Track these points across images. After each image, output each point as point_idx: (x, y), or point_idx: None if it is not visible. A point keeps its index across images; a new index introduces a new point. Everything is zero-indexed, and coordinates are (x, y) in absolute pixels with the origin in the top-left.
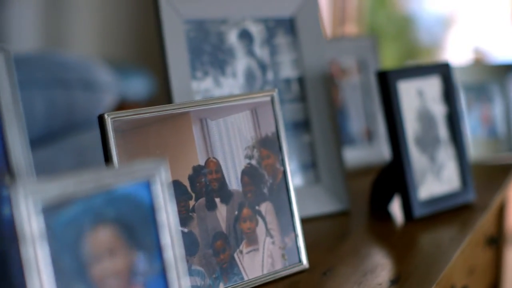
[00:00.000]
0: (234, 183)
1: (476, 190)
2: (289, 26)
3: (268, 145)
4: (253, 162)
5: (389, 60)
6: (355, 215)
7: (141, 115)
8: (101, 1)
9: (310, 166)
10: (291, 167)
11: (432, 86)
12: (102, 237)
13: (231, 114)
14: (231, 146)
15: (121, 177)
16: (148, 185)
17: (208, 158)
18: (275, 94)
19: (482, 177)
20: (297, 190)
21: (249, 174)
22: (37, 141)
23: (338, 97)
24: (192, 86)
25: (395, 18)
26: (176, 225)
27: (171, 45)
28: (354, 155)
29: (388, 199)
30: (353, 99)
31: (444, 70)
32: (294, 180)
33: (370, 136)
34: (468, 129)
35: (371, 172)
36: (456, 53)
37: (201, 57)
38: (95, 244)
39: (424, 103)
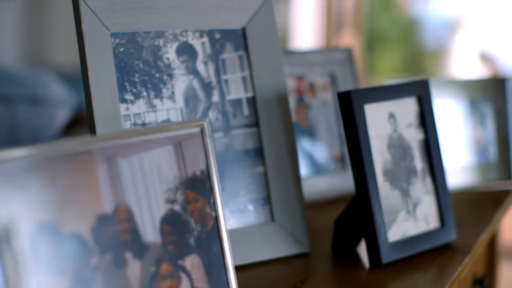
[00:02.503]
0: (150, 233)
1: (461, 225)
2: (239, 38)
3: (196, 186)
4: (176, 207)
5: (392, 65)
6: (316, 259)
7: (26, 156)
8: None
9: (263, 202)
10: (240, 205)
11: (406, 108)
12: None
13: (148, 150)
14: (147, 189)
15: None
16: None
17: (117, 205)
18: (206, 124)
19: (470, 208)
20: (248, 230)
21: (171, 222)
22: None
23: (305, 117)
24: (119, 110)
25: (399, 21)
26: None
27: (93, 62)
28: (324, 183)
29: (354, 241)
30: (325, 119)
31: (420, 90)
32: (245, 218)
33: (344, 161)
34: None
35: (344, 202)
36: (463, 57)
37: (132, 76)
38: None
39: (396, 129)
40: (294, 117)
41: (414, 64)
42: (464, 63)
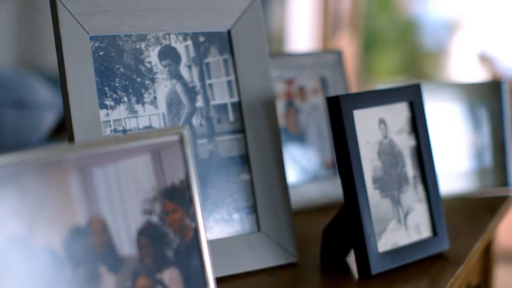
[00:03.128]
0: (126, 246)
1: (455, 233)
2: (225, 41)
3: (175, 196)
4: (154, 218)
5: (391, 66)
6: (304, 269)
7: None
8: None
9: (249, 211)
10: (224, 214)
11: (397, 114)
12: None
13: (124, 159)
14: (123, 200)
15: None
16: None
17: (91, 217)
18: (185, 132)
19: (464, 216)
20: (233, 240)
21: (148, 234)
22: None
23: (295, 122)
24: (99, 116)
25: (398, 22)
26: None
27: (72, 66)
28: (315, 190)
29: (343, 251)
30: (315, 124)
31: (412, 95)
32: (230, 227)
33: (335, 167)
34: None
35: (335, 209)
36: (462, 58)
37: (112, 81)
38: None
39: (387, 135)
40: (283, 122)
41: (413, 65)
42: (463, 64)
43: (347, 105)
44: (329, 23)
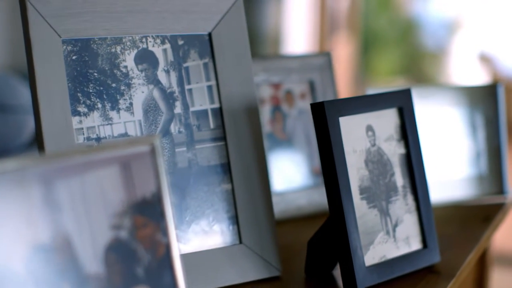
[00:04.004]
0: (93, 263)
1: (447, 244)
2: (205, 44)
3: (146, 210)
4: (123, 233)
5: (390, 66)
6: (287, 283)
7: None
8: None
9: (230, 222)
10: (204, 226)
11: (386, 121)
12: None
13: (91, 171)
14: (90, 215)
15: None
16: None
17: (55, 233)
18: (157, 142)
19: (457, 225)
20: (213, 253)
21: (116, 251)
22: None
23: (282, 128)
24: (71, 123)
25: (398, 21)
26: None
27: (42, 71)
28: (303, 198)
29: (329, 264)
30: (303, 130)
31: (401, 101)
32: (211, 239)
33: None
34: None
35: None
36: (462, 59)
37: (86, 86)
38: None
39: (375, 143)
40: (269, 128)
41: (413, 66)
42: (463, 65)
43: (333, 111)
44: (326, 23)
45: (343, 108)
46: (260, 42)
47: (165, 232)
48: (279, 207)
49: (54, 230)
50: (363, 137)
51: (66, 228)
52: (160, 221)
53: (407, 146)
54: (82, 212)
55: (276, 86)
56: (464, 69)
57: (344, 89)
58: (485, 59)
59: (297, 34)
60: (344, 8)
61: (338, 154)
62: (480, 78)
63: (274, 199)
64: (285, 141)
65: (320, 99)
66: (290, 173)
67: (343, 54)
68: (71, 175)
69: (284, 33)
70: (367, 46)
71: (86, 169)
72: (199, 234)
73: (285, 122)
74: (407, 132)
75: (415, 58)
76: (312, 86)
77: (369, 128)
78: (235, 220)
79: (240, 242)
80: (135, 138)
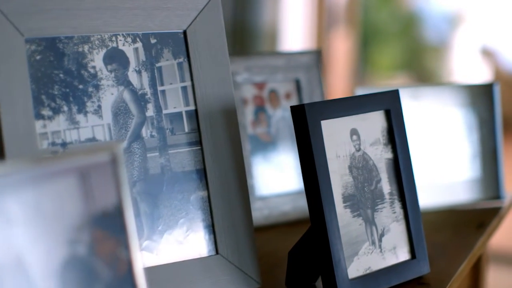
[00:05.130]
0: (47, 282)
1: (439, 252)
2: (180, 43)
3: (106, 223)
4: (80, 249)
5: (392, 60)
6: None
7: None
8: None
9: (206, 231)
10: (178, 236)
11: (372, 124)
12: None
13: (46, 183)
14: (44, 229)
15: None
16: None
17: (4, 250)
18: (118, 150)
19: (451, 231)
20: (188, 264)
21: (74, 268)
22: None
23: (266, 129)
24: (35, 128)
25: (399, 15)
26: None
27: (3, 72)
28: (288, 203)
29: (310, 276)
30: (289, 132)
31: (388, 102)
32: (185, 250)
33: None
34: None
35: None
36: (464, 53)
37: (50, 88)
38: None
39: (360, 148)
40: (252, 130)
41: (414, 60)
42: (465, 59)
43: (314, 114)
44: (324, 17)
45: (325, 110)
46: (256, 37)
47: (127, 247)
48: (263, 213)
49: (3, 247)
50: (347, 141)
51: (18, 244)
52: (122, 235)
53: (394, 150)
54: (35, 226)
55: (260, 85)
56: (466, 63)
57: (343, 85)
58: (487, 54)
59: (294, 29)
60: (343, 1)
61: (319, 160)
62: (482, 72)
63: (257, 204)
64: (269, 144)
65: (306, 99)
66: (274, 177)
67: (342, 49)
68: (23, 187)
69: (281, 28)
70: (368, 41)
71: (41, 181)
72: (172, 244)
73: (269, 123)
74: (395, 135)
75: (417, 52)
76: (298, 86)
77: (354, 132)
78: (211, 229)
79: (217, 252)
80: (95, 146)
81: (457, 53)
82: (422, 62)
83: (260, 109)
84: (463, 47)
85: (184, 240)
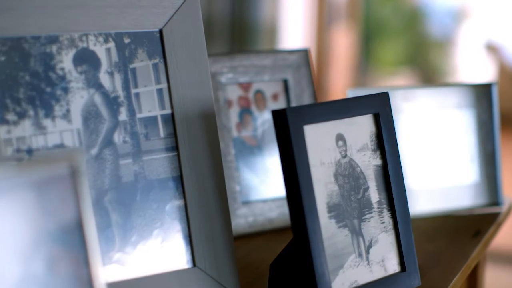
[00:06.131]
0: None
1: (433, 262)
2: (155, 43)
3: (64, 240)
4: (36, 267)
5: (395, 56)
6: None
7: None
8: None
9: (182, 243)
10: (153, 248)
11: (360, 129)
12: None
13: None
14: None
15: None
16: None
17: None
18: (78, 160)
19: (446, 239)
20: (163, 278)
21: (29, 287)
22: None
23: (251, 132)
24: None
25: (403, 10)
26: None
27: None
28: (274, 209)
29: None
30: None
31: (377, 106)
32: (161, 262)
33: None
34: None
35: None
36: (469, 48)
37: (15, 91)
38: None
39: (346, 154)
40: (237, 132)
41: (418, 55)
42: (470, 54)
43: (296, 119)
44: (325, 12)
45: (309, 115)
46: (255, 33)
47: (87, 264)
48: (247, 220)
49: None
50: (332, 147)
51: None
52: (82, 252)
53: (383, 156)
54: None
55: (245, 86)
56: (471, 59)
57: (344, 81)
58: (492, 49)
59: (294, 24)
60: None
61: (302, 167)
62: (486, 68)
63: (242, 211)
64: (255, 147)
65: (294, 100)
66: (260, 182)
67: (343, 44)
68: None
69: (280, 24)
70: (371, 36)
71: None
72: (147, 256)
73: (255, 126)
74: (384, 141)
75: (421, 48)
76: (286, 86)
77: (340, 137)
78: (188, 240)
79: (194, 265)
80: (53, 157)
81: (461, 49)
82: (426, 58)
83: (245, 111)
84: (467, 42)
85: (159, 252)
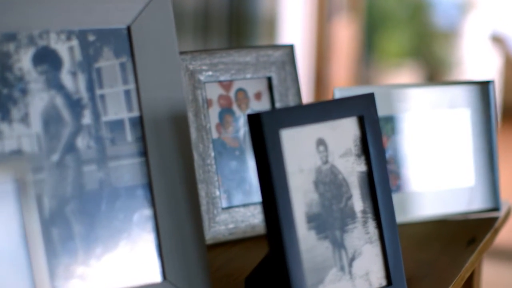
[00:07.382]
0: None
1: (425, 272)
2: (122, 40)
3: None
4: None
5: (400, 47)
6: None
7: None
8: None
9: (151, 255)
10: (119, 261)
11: (342, 133)
12: None
13: None
14: None
15: None
16: None
17: None
18: (23, 173)
19: (440, 246)
20: None
21: None
22: None
23: (232, 133)
24: None
25: (408, 1)
26: None
27: None
28: (258, 215)
29: None
30: None
31: (362, 108)
32: (128, 276)
33: None
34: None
35: None
36: (474, 39)
37: None
38: None
39: (328, 160)
40: (217, 134)
41: (423, 47)
42: (475, 45)
43: (272, 123)
44: (326, 3)
45: (287, 118)
46: (254, 25)
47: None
48: (228, 227)
49: None
50: (312, 153)
51: None
52: (29, 276)
53: (368, 162)
54: None
55: (226, 84)
56: (476, 50)
57: (346, 75)
58: (498, 40)
59: (294, 16)
60: None
61: (278, 174)
62: (492, 59)
63: (222, 217)
64: (237, 149)
65: (278, 99)
66: (241, 186)
67: (345, 36)
68: None
69: (280, 15)
70: (375, 27)
71: None
72: (113, 270)
73: (237, 127)
74: (369, 145)
75: (426, 39)
76: (270, 84)
77: (321, 142)
78: (158, 252)
79: (164, 278)
80: None
81: (467, 40)
82: (431, 49)
83: (226, 111)
84: (473, 33)
85: (126, 265)
